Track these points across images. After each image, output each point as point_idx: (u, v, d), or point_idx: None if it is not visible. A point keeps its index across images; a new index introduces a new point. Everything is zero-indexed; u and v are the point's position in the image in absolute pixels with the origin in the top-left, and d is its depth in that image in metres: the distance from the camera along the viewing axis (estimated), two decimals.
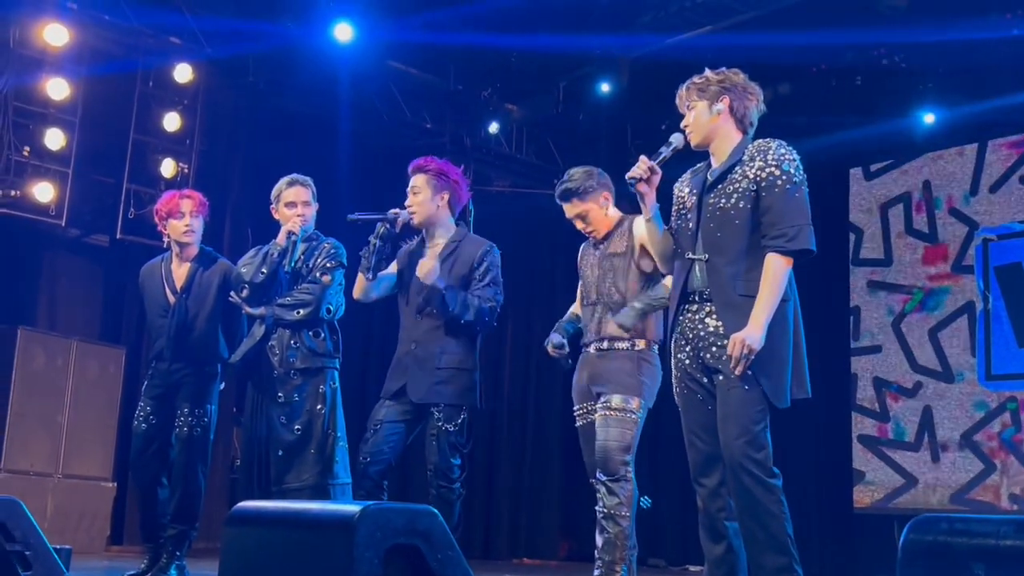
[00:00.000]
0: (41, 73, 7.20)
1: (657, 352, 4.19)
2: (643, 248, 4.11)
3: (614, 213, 4.30)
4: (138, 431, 4.89)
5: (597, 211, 4.26)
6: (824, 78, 8.23)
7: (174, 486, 4.85)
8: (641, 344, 4.14)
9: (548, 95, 9.14)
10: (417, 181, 4.45)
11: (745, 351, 3.23)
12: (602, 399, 4.11)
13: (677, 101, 3.59)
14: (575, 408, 4.31)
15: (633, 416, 4.08)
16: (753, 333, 3.24)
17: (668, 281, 3.99)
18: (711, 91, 3.50)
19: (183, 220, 4.92)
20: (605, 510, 4.00)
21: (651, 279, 4.15)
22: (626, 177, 3.52)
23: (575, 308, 4.49)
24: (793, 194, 3.33)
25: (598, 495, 4.09)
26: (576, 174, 4.30)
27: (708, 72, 3.55)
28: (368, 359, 8.36)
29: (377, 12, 7.71)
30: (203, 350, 4.90)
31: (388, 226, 4.41)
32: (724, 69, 3.56)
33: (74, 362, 7.27)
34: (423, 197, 4.42)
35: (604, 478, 4.03)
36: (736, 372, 3.26)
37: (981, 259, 8.44)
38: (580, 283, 4.43)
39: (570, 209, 4.29)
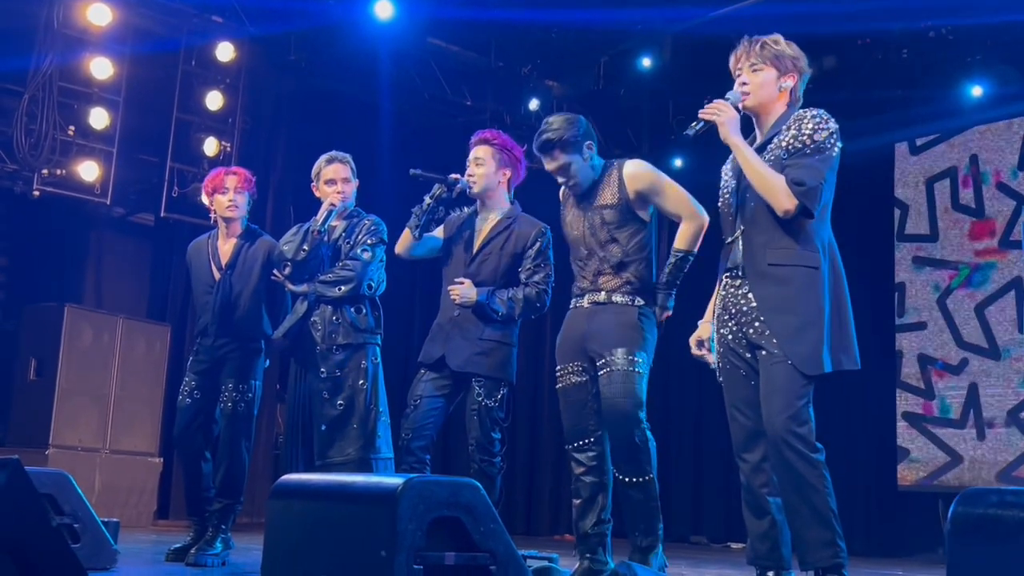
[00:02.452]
0: (85, 53, 7.27)
1: (654, 313, 4.02)
2: (640, 195, 3.94)
3: (597, 162, 4.07)
4: (183, 406, 4.97)
5: (581, 163, 4.01)
6: (870, 51, 8.11)
7: (219, 461, 4.92)
8: (641, 301, 3.96)
9: (589, 71, 9.08)
10: (482, 152, 4.44)
11: (715, 110, 3.34)
12: (603, 355, 3.90)
13: (740, 52, 3.47)
14: (558, 368, 4.08)
15: (640, 371, 3.89)
16: (726, 125, 3.34)
17: (684, 233, 3.94)
18: (784, 64, 3.42)
19: (227, 195, 4.99)
20: (627, 478, 3.88)
21: (647, 228, 4.00)
22: (699, 114, 3.38)
23: None
24: (814, 156, 3.29)
25: (577, 467, 3.99)
26: (556, 122, 4.03)
27: (781, 39, 3.46)
28: (411, 334, 8.40)
29: None
30: (247, 326, 4.96)
31: (446, 189, 4.42)
32: (791, 42, 3.49)
33: (120, 339, 7.36)
34: (486, 169, 4.43)
35: (623, 442, 3.87)
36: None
37: None
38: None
39: (551, 162, 4.02)
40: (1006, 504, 1.94)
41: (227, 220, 5.05)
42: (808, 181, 3.24)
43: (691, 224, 3.98)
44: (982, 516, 1.94)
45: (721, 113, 3.36)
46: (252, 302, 4.96)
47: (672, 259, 3.98)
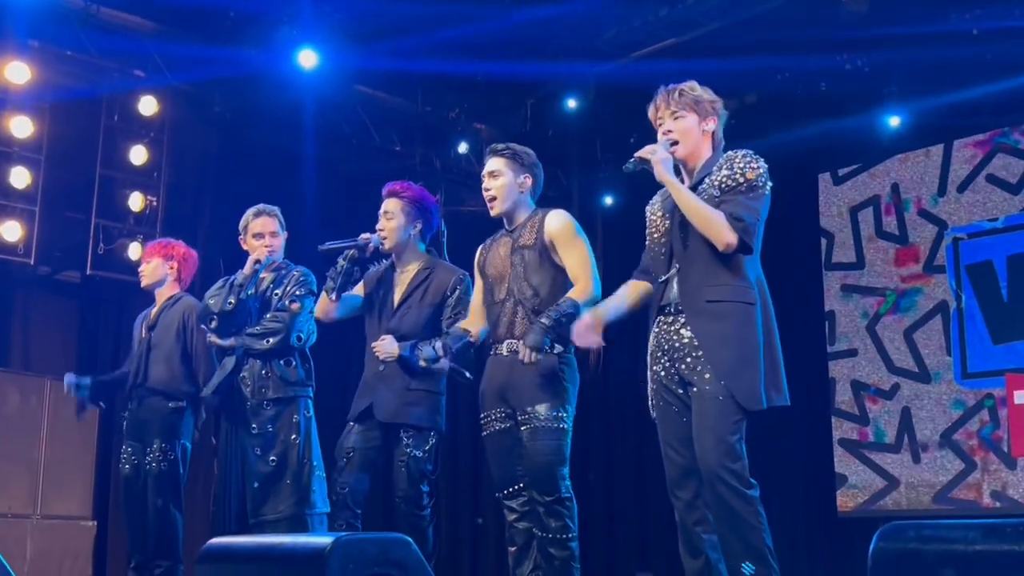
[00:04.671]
0: (3, 112, 7.16)
1: (574, 355, 3.97)
2: (552, 240, 3.95)
3: (530, 204, 4.09)
4: (125, 474, 5.06)
5: (511, 182, 4.03)
6: (789, 85, 8.27)
7: (150, 524, 4.87)
8: (559, 347, 3.87)
9: (516, 113, 9.14)
10: (391, 206, 4.44)
11: (650, 150, 3.39)
12: (525, 410, 3.86)
13: (659, 102, 3.53)
14: (482, 416, 4.05)
15: (564, 426, 3.85)
16: (663, 159, 3.38)
17: (578, 291, 3.87)
18: (704, 108, 3.49)
19: (140, 269, 5.22)
20: (549, 535, 3.79)
21: (566, 274, 3.96)
22: (634, 155, 3.43)
23: (466, 324, 4.19)
24: (748, 194, 3.35)
25: (509, 514, 3.95)
26: (519, 146, 4.13)
27: (696, 85, 3.53)
28: (347, 386, 8.29)
29: (341, 39, 7.70)
30: (166, 386, 4.98)
31: (358, 252, 4.42)
32: (709, 90, 3.54)
33: (49, 401, 7.19)
34: (396, 223, 4.41)
35: (544, 499, 3.81)
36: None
37: (952, 259, 8.49)
38: (479, 284, 4.15)
39: (492, 163, 4.07)
40: (924, 538, 1.97)
41: (146, 290, 5.25)
42: (746, 217, 3.29)
43: (586, 289, 3.89)
44: (902, 551, 1.97)
45: (656, 153, 3.40)
46: (169, 362, 4.99)
47: (561, 303, 3.84)
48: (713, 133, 3.52)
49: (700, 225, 3.32)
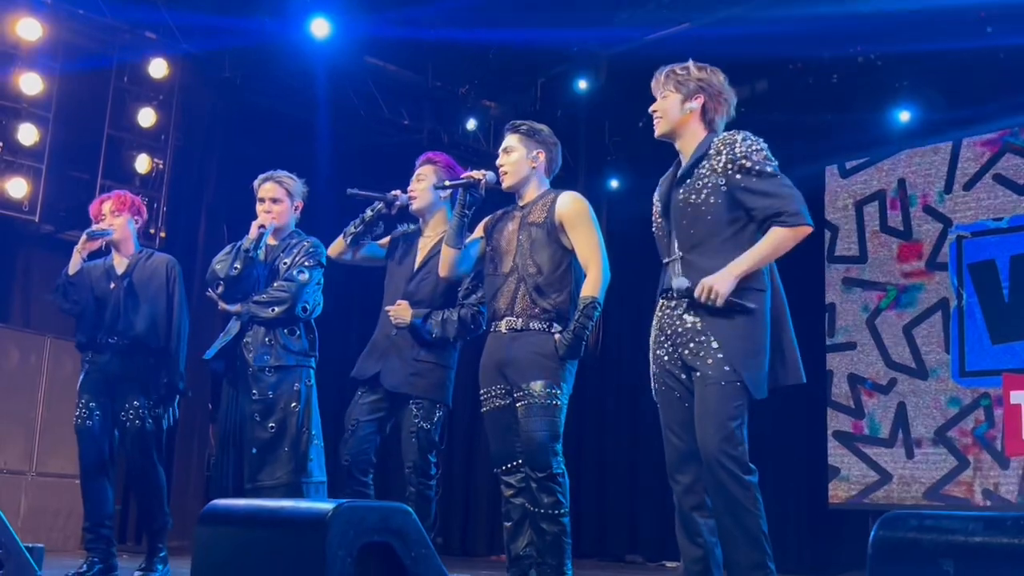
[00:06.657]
0: (14, 68, 7.15)
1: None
2: (562, 223, 3.97)
3: (542, 181, 4.12)
4: (85, 428, 4.90)
5: (522, 158, 4.07)
6: (801, 75, 8.26)
7: (135, 483, 4.87)
8: (558, 327, 3.93)
9: (526, 92, 9.13)
10: (425, 171, 4.48)
11: (712, 296, 3.26)
12: (520, 386, 3.90)
13: (653, 83, 3.57)
14: (481, 392, 4.08)
15: (558, 403, 3.89)
16: (723, 279, 3.26)
17: (592, 281, 3.92)
18: (689, 87, 3.49)
19: (105, 222, 5.01)
20: (541, 510, 3.83)
21: (570, 259, 3.98)
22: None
23: None
24: (773, 177, 3.35)
25: (507, 490, 3.99)
26: (535, 123, 4.18)
27: (691, 65, 3.53)
28: (349, 355, 8.30)
29: (354, 8, 7.69)
30: (146, 339, 4.88)
31: (385, 207, 4.49)
32: (707, 66, 3.55)
33: (48, 359, 7.23)
34: (425, 185, 4.45)
35: (537, 475, 3.84)
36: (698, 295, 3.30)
37: (955, 256, 8.50)
38: (481, 244, 4.19)
39: (508, 139, 4.13)
40: (924, 528, 1.99)
41: (114, 245, 5.04)
42: (788, 207, 3.30)
43: (598, 277, 3.94)
44: (902, 540, 1.99)
45: (717, 283, 3.28)
46: (152, 315, 4.90)
47: (580, 305, 3.92)
48: (703, 111, 3.50)
49: (778, 255, 3.34)
